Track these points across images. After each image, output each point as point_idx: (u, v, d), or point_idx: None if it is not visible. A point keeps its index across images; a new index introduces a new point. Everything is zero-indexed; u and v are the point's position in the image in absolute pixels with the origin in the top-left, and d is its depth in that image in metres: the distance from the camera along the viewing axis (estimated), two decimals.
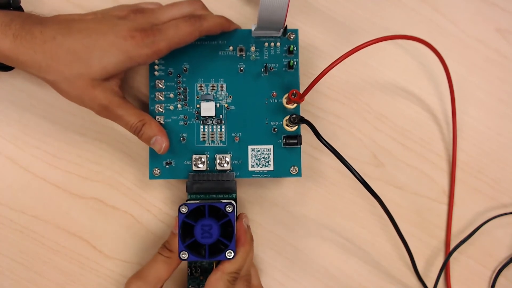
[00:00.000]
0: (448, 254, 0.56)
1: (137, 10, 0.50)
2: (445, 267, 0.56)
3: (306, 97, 0.57)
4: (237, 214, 0.51)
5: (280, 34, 0.52)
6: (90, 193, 0.56)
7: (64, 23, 0.48)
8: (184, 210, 0.46)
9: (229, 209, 0.46)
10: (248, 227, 0.51)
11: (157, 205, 0.56)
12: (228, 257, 0.46)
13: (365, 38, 0.46)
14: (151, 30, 0.48)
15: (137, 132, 0.49)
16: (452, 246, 0.57)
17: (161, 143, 0.50)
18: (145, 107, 0.56)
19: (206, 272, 0.52)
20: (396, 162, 0.58)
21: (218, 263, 0.48)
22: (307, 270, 0.57)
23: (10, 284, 0.55)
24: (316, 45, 0.59)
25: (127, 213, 0.56)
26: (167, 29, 0.48)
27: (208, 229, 0.45)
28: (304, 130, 0.55)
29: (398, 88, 0.59)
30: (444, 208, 0.58)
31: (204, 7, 0.53)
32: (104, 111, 0.49)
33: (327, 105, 0.58)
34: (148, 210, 0.56)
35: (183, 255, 0.46)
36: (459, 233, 0.58)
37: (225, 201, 0.48)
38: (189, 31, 0.49)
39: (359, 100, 0.59)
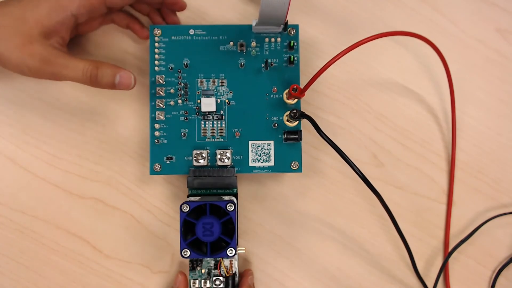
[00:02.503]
0: (448, 254, 0.56)
1: None
2: (444, 267, 0.56)
3: (306, 97, 0.57)
4: (243, 272, 0.53)
5: (280, 29, 0.53)
6: (90, 193, 0.56)
7: None
8: (185, 208, 0.46)
9: (230, 207, 0.46)
10: (253, 284, 0.52)
11: (157, 205, 0.56)
12: (229, 254, 0.46)
13: (365, 37, 0.46)
14: None
15: (93, 78, 0.47)
16: (451, 246, 0.57)
17: (128, 77, 0.48)
18: (146, 103, 0.56)
19: (207, 266, 0.52)
20: (396, 162, 0.59)
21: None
22: (307, 270, 0.57)
23: (10, 284, 0.55)
24: (316, 44, 0.59)
25: (127, 213, 0.56)
26: None
27: (209, 227, 0.46)
28: (305, 130, 0.55)
29: (398, 88, 0.59)
30: (444, 208, 0.58)
31: None
32: (47, 65, 0.46)
33: (327, 105, 0.58)
34: (148, 210, 0.56)
35: (184, 253, 0.46)
36: (459, 233, 0.58)
37: (226, 198, 0.48)
38: None
39: (359, 100, 0.59)
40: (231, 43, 0.53)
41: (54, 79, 0.48)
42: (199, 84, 0.53)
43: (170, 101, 0.53)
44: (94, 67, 0.47)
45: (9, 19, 0.45)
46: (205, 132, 0.53)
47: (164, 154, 0.52)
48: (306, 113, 0.49)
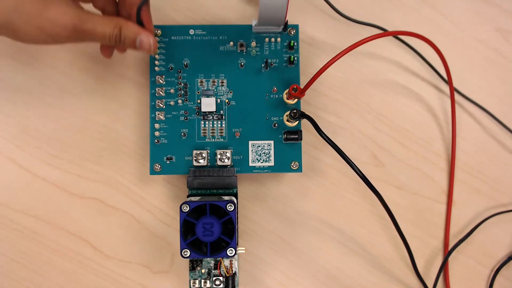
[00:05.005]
0: (447, 254, 0.56)
1: None
2: (444, 266, 0.56)
3: (306, 97, 0.57)
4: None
5: (280, 29, 0.53)
6: (90, 193, 0.56)
7: None
8: (185, 208, 0.46)
9: (230, 207, 0.46)
10: None
11: (157, 205, 0.56)
12: (229, 254, 0.46)
13: (365, 38, 0.46)
14: None
15: (117, 40, 0.45)
16: (451, 246, 0.57)
17: (148, 41, 0.46)
18: (146, 103, 0.56)
19: (207, 266, 0.52)
20: (396, 162, 0.59)
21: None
22: (307, 270, 0.57)
23: (10, 284, 0.55)
24: (316, 44, 0.59)
25: (127, 213, 0.56)
26: None
27: (209, 227, 0.46)
28: (305, 130, 0.55)
29: (398, 88, 0.59)
30: (444, 208, 0.58)
31: None
32: (73, 33, 0.43)
33: (327, 105, 0.58)
34: (148, 210, 0.56)
35: (184, 253, 0.46)
36: (459, 233, 0.58)
37: (226, 198, 0.48)
38: None
39: (359, 100, 0.59)
40: (231, 43, 0.53)
41: (79, 41, 0.45)
42: (199, 84, 0.53)
43: (170, 101, 0.53)
44: (118, 29, 0.45)
45: None
46: (205, 132, 0.53)
47: (164, 154, 0.52)
48: (306, 113, 0.49)
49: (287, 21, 0.52)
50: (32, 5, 0.41)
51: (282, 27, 0.52)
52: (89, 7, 0.48)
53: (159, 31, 0.53)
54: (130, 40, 0.46)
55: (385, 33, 0.46)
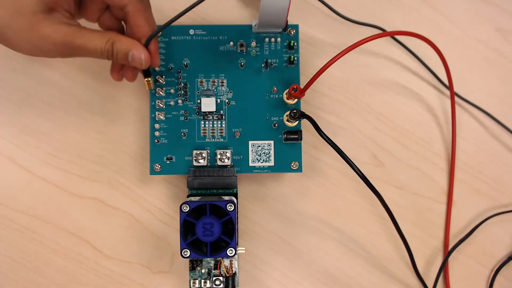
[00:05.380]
0: (447, 254, 0.56)
1: None
2: (444, 266, 0.56)
3: (306, 97, 0.57)
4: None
5: (280, 29, 0.53)
6: (90, 193, 0.56)
7: None
8: (185, 208, 0.46)
9: (230, 207, 0.46)
10: None
11: (157, 205, 0.56)
12: (229, 254, 0.46)
13: (365, 37, 0.46)
14: None
15: (110, 55, 0.45)
16: (451, 246, 0.57)
17: (139, 56, 0.45)
18: (146, 103, 0.56)
19: (207, 266, 0.52)
20: (396, 162, 0.59)
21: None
22: (307, 270, 0.57)
23: (10, 284, 0.55)
24: (316, 44, 0.59)
25: (127, 213, 0.56)
26: None
27: (209, 227, 0.46)
28: (305, 130, 0.55)
29: (398, 88, 0.59)
30: (444, 208, 0.58)
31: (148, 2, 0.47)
32: (63, 49, 0.43)
33: (327, 105, 0.58)
34: (148, 210, 0.56)
35: (185, 253, 0.46)
36: (459, 233, 0.58)
37: (226, 198, 0.48)
38: None
39: (359, 100, 0.59)
40: (231, 43, 0.53)
41: (70, 57, 0.45)
42: (199, 84, 0.53)
43: (170, 101, 0.53)
44: (110, 44, 0.44)
45: None
46: (205, 132, 0.53)
47: (164, 154, 0.53)
48: (306, 113, 0.49)
49: (287, 21, 0.52)
50: (24, 20, 0.42)
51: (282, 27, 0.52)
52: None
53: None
54: (122, 54, 0.45)
55: (385, 33, 0.46)
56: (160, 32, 0.47)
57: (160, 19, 0.57)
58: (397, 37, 0.60)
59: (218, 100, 0.53)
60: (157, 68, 0.53)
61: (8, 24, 0.42)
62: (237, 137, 0.53)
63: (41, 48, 0.43)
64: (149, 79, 0.50)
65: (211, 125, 0.53)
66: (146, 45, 0.46)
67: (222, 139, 0.53)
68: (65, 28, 0.43)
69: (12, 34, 0.42)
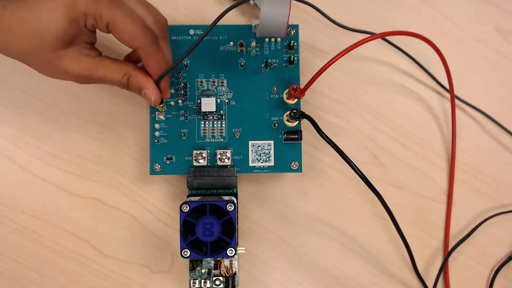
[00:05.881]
0: (447, 254, 0.56)
1: None
2: (444, 266, 0.56)
3: (306, 97, 0.57)
4: None
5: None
6: (90, 193, 0.56)
7: None
8: (185, 208, 0.46)
9: (230, 207, 0.46)
10: None
11: (157, 205, 0.56)
12: (229, 254, 0.46)
13: (365, 37, 0.46)
14: None
15: (125, 87, 0.47)
16: (451, 246, 0.57)
17: (150, 97, 0.48)
18: (146, 103, 0.56)
19: (207, 266, 0.52)
20: (396, 162, 0.59)
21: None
22: (307, 270, 0.57)
23: (10, 284, 0.55)
24: (316, 44, 0.59)
25: (127, 213, 0.56)
26: (123, 8, 0.43)
27: (209, 227, 0.46)
28: (305, 130, 0.55)
29: (398, 88, 0.59)
30: (444, 208, 0.58)
31: (165, 32, 0.49)
32: (84, 80, 0.46)
33: (327, 105, 0.58)
34: (148, 210, 0.56)
35: (185, 253, 0.46)
36: (459, 233, 0.58)
37: (226, 198, 0.48)
38: (136, 38, 0.44)
39: (359, 100, 0.59)
40: (231, 43, 0.53)
41: (89, 83, 0.47)
42: (199, 84, 0.53)
43: (170, 101, 0.53)
44: (126, 78, 0.47)
45: (25, 31, 0.42)
46: (205, 132, 0.53)
47: (164, 154, 0.53)
48: (306, 113, 0.49)
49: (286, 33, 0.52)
50: (46, 56, 0.44)
51: None
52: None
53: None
54: (136, 89, 0.47)
55: (384, 33, 0.46)
56: (171, 71, 0.49)
57: None
58: (397, 38, 0.60)
59: (218, 100, 0.53)
60: None
61: (30, 56, 0.44)
62: (237, 137, 0.53)
63: (64, 78, 0.46)
64: (161, 105, 0.51)
65: (211, 125, 0.53)
66: (158, 82, 0.48)
67: (222, 139, 0.53)
68: (85, 61, 0.45)
69: (34, 64, 0.45)
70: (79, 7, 0.42)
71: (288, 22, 0.47)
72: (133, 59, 0.50)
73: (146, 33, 0.44)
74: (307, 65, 0.58)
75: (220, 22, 0.57)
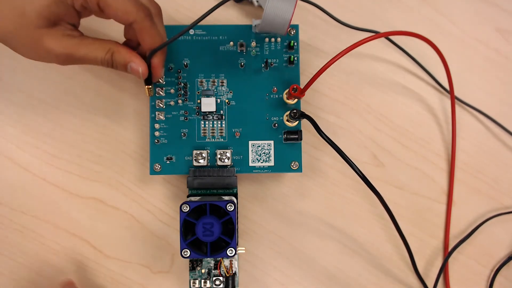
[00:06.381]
0: (447, 254, 0.56)
1: None
2: (444, 267, 0.56)
3: (306, 97, 0.57)
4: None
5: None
6: (90, 193, 0.56)
7: None
8: (185, 208, 0.46)
9: (230, 207, 0.46)
10: None
11: (157, 205, 0.56)
12: (229, 254, 0.46)
13: (365, 37, 0.46)
14: None
15: (109, 65, 0.46)
16: (451, 246, 0.57)
17: (137, 69, 0.46)
18: (146, 103, 0.56)
19: (207, 266, 0.52)
20: (396, 162, 0.59)
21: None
22: (307, 270, 0.57)
23: (10, 284, 0.54)
24: (316, 44, 0.59)
25: (127, 213, 0.56)
26: None
27: (209, 227, 0.46)
28: (305, 130, 0.55)
29: (398, 88, 0.59)
30: (444, 208, 0.58)
31: (159, 11, 0.48)
32: (66, 59, 0.45)
33: (327, 105, 0.58)
34: (148, 210, 0.56)
35: (184, 253, 0.46)
36: (459, 234, 0.58)
37: (226, 198, 0.48)
38: (129, 13, 0.44)
39: (359, 100, 0.59)
40: (231, 43, 0.53)
41: (72, 64, 0.46)
42: (199, 84, 0.53)
43: (170, 101, 0.53)
44: (109, 55, 0.46)
45: (9, 9, 0.42)
46: (205, 132, 0.53)
47: (164, 154, 0.53)
48: (306, 113, 0.49)
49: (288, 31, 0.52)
50: (28, 34, 0.43)
51: None
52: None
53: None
54: (121, 65, 0.46)
55: (385, 33, 0.46)
56: (166, 47, 0.48)
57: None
58: (397, 38, 0.60)
59: (218, 100, 0.53)
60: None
61: (13, 35, 0.43)
62: (237, 137, 0.53)
63: (44, 58, 0.45)
64: (150, 86, 0.50)
65: (211, 125, 0.53)
66: (149, 59, 0.47)
67: (222, 139, 0.53)
68: (67, 40, 0.44)
69: (16, 44, 0.44)
70: None
71: (291, 19, 0.47)
72: (131, 45, 0.49)
73: (139, 7, 0.44)
74: (307, 65, 0.58)
75: (220, 22, 0.58)
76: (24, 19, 0.42)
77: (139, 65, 0.46)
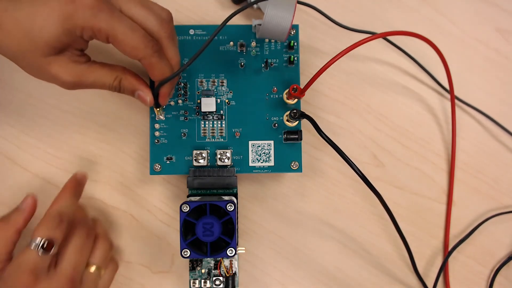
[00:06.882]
0: (447, 254, 0.56)
1: None
2: (444, 267, 0.56)
3: (306, 97, 0.57)
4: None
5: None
6: (90, 193, 0.56)
7: None
8: (185, 208, 0.46)
9: (230, 207, 0.46)
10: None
11: (157, 205, 0.56)
12: (229, 254, 0.46)
13: (365, 37, 0.46)
14: (107, 6, 0.42)
15: (117, 90, 0.47)
16: (451, 246, 0.57)
17: (144, 98, 0.47)
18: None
19: (207, 266, 0.52)
20: (396, 162, 0.59)
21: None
22: (307, 270, 0.57)
23: None
24: (316, 45, 0.59)
25: (127, 213, 0.56)
26: (123, 21, 0.43)
27: (209, 227, 0.46)
28: (305, 130, 0.55)
29: (398, 88, 0.59)
30: (444, 208, 0.59)
31: (171, 32, 0.47)
32: (73, 86, 0.45)
33: (327, 105, 0.58)
34: (148, 210, 0.56)
35: (184, 253, 0.46)
36: (459, 233, 0.58)
37: (226, 198, 0.48)
38: (137, 49, 0.43)
39: (359, 100, 0.59)
40: (231, 43, 0.53)
41: (81, 89, 0.47)
42: (199, 84, 0.53)
43: (170, 101, 0.53)
44: (117, 82, 0.46)
45: (18, 31, 0.42)
46: (205, 132, 0.53)
47: (164, 154, 0.53)
48: (306, 113, 0.49)
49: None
50: (35, 59, 0.43)
51: None
52: None
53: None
54: (129, 92, 0.47)
55: (385, 33, 0.46)
56: (177, 79, 0.50)
57: None
58: (397, 38, 0.60)
59: (218, 100, 0.53)
60: None
61: (20, 57, 0.44)
62: (237, 137, 0.53)
63: (51, 81, 0.45)
64: (159, 109, 0.51)
65: (211, 125, 0.53)
66: (157, 91, 0.47)
67: (222, 139, 0.53)
68: (74, 67, 0.45)
69: (24, 65, 0.44)
70: (77, 21, 0.41)
71: (290, 28, 0.47)
72: None
73: (147, 43, 0.44)
74: (307, 65, 0.58)
75: (220, 22, 0.57)
76: (32, 44, 0.42)
77: (146, 94, 0.47)
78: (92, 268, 0.48)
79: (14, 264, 0.44)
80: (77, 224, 0.47)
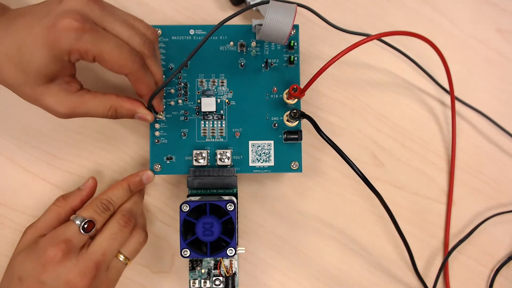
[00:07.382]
0: (447, 254, 0.56)
1: (93, 1, 0.43)
2: (444, 266, 0.56)
3: (306, 97, 0.57)
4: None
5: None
6: None
7: (10, 19, 0.44)
8: (185, 208, 0.46)
9: (230, 207, 0.46)
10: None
11: (157, 205, 0.56)
12: (229, 254, 0.46)
13: (365, 37, 0.46)
14: (90, 26, 0.42)
15: (113, 118, 0.48)
16: (451, 246, 0.57)
17: (146, 119, 0.49)
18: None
19: (207, 266, 0.52)
20: (396, 162, 0.59)
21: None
22: (307, 270, 0.57)
23: None
24: (316, 45, 0.59)
25: None
26: (108, 40, 0.43)
27: (209, 227, 0.46)
28: (305, 130, 0.55)
29: (398, 88, 0.59)
30: (444, 208, 0.59)
31: (153, 51, 0.47)
32: (67, 116, 0.46)
33: (327, 105, 0.58)
34: (148, 210, 0.56)
35: (184, 253, 0.46)
36: (459, 233, 0.58)
37: (226, 198, 0.48)
38: (124, 67, 0.44)
39: (359, 100, 0.59)
40: (231, 43, 0.53)
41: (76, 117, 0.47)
42: (199, 84, 0.53)
43: (170, 101, 0.53)
44: (113, 112, 0.47)
45: (10, 65, 0.43)
46: (205, 132, 0.53)
47: (164, 154, 0.53)
48: (306, 113, 0.49)
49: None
50: (28, 90, 0.44)
51: None
52: None
53: (159, 31, 0.53)
54: (127, 116, 0.48)
55: (385, 33, 0.46)
56: (163, 88, 0.50)
57: (161, 19, 0.58)
58: (397, 38, 0.60)
59: (218, 100, 0.53)
60: None
61: (16, 89, 0.45)
62: (237, 137, 0.53)
63: (47, 111, 0.46)
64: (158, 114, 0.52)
65: (211, 125, 0.53)
66: (149, 104, 0.48)
67: (222, 139, 0.53)
68: (66, 98, 0.45)
69: (20, 95, 0.45)
70: (63, 46, 0.42)
71: (290, 32, 0.47)
72: None
73: (133, 58, 0.44)
74: (307, 65, 0.58)
75: None
76: (24, 76, 0.43)
77: (146, 114, 0.49)
78: (121, 257, 0.48)
79: (53, 232, 0.46)
80: (119, 212, 0.49)
